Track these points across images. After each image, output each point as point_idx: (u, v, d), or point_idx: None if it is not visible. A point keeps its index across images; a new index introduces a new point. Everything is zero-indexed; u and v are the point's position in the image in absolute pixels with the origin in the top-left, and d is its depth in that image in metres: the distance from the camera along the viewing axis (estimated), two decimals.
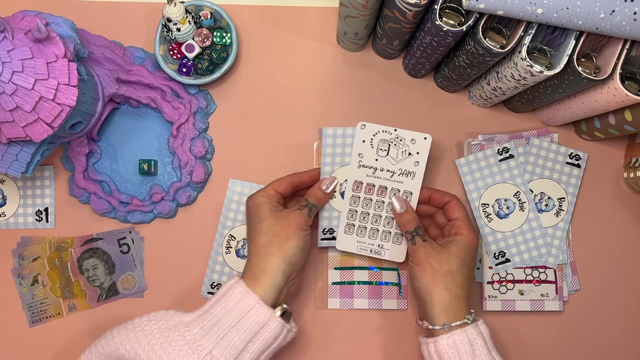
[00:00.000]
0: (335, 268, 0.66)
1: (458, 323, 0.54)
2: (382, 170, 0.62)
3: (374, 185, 0.62)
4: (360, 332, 0.66)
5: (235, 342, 0.51)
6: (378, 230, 0.63)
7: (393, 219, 0.62)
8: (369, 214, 0.63)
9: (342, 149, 0.63)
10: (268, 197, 0.59)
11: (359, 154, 0.62)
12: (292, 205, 0.62)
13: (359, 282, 0.66)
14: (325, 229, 0.64)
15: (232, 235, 0.66)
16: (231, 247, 0.66)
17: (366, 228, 0.63)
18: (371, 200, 0.63)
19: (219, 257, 0.66)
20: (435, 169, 0.67)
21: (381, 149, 0.62)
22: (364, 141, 0.62)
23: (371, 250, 0.63)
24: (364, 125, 0.62)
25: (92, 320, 0.67)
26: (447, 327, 0.54)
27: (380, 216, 0.63)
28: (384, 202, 0.62)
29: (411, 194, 0.62)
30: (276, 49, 0.69)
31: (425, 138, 0.61)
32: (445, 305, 0.55)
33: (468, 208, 0.66)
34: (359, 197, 0.63)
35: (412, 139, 0.61)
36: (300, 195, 0.64)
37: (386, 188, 0.62)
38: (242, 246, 0.66)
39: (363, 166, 0.62)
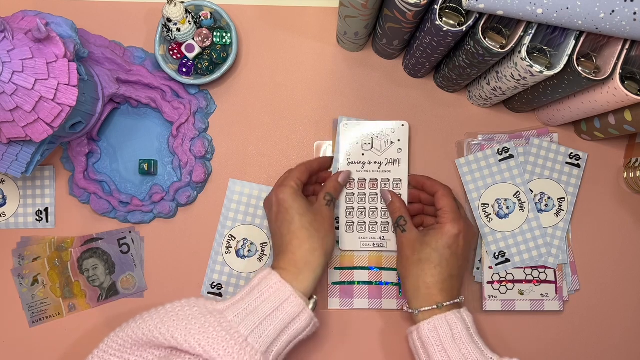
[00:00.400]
0: (335, 268, 0.66)
1: (426, 309, 0.56)
2: (369, 164, 0.64)
3: (365, 180, 0.65)
4: (360, 332, 0.66)
5: (269, 331, 0.52)
6: (377, 223, 0.65)
7: None
8: (365, 209, 0.65)
9: None
10: (298, 190, 0.59)
11: (347, 152, 0.64)
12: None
13: (359, 282, 0.66)
14: None
15: (232, 235, 0.66)
16: (231, 247, 0.66)
17: (365, 223, 0.65)
18: (365, 194, 0.65)
19: (219, 257, 0.66)
20: (435, 169, 0.67)
21: (365, 143, 0.64)
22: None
23: (374, 244, 0.65)
24: (347, 124, 0.65)
25: (92, 320, 0.67)
26: (416, 312, 0.57)
27: (377, 208, 0.65)
28: (377, 195, 0.65)
29: (401, 180, 0.64)
30: (276, 49, 0.69)
31: (402, 125, 0.65)
32: (413, 292, 0.58)
33: (468, 208, 0.66)
34: (354, 194, 0.65)
35: (392, 129, 0.64)
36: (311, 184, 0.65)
37: (377, 180, 0.64)
38: (242, 246, 0.66)
39: (352, 163, 0.65)
